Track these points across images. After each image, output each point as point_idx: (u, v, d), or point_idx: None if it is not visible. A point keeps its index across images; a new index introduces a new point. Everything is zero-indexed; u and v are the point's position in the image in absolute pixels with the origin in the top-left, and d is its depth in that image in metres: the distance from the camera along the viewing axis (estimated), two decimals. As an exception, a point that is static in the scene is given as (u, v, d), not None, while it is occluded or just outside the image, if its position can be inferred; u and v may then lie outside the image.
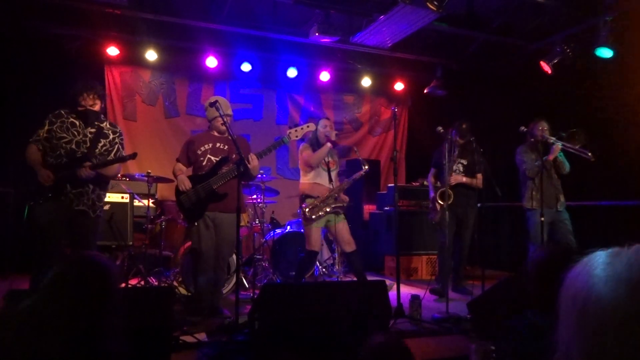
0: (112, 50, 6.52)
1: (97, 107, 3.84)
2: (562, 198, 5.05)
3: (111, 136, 3.92)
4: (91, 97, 3.78)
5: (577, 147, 4.85)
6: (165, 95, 7.38)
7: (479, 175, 5.31)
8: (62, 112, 3.83)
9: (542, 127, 5.04)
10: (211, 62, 6.90)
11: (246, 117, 7.76)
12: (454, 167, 5.30)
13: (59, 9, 5.73)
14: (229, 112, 4.28)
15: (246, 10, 6.14)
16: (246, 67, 7.13)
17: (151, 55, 6.61)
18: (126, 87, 7.13)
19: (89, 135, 3.80)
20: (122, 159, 3.92)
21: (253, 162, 4.01)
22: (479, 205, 5.42)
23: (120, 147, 3.98)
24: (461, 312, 4.14)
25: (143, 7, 5.85)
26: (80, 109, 3.77)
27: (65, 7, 5.66)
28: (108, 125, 3.95)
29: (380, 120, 8.66)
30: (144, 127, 7.19)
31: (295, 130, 4.23)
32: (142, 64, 6.97)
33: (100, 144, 3.84)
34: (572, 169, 5.08)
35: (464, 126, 5.26)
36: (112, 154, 3.90)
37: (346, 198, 4.89)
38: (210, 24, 6.25)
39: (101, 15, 5.91)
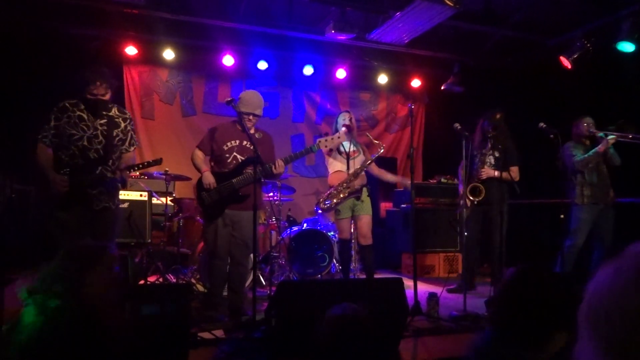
0: (131, 50, 6.59)
1: (107, 97, 3.65)
2: (612, 193, 4.95)
3: (122, 124, 3.78)
4: (104, 86, 3.59)
5: (630, 136, 4.74)
6: (183, 93, 7.43)
7: (514, 168, 5.07)
8: (67, 105, 3.64)
9: (587, 123, 4.93)
10: (228, 60, 6.93)
11: (262, 115, 7.76)
12: (485, 160, 5.14)
13: (77, 10, 5.80)
14: (258, 112, 4.17)
15: (262, 9, 6.15)
16: (262, 65, 7.14)
17: (168, 54, 6.66)
18: (144, 86, 7.20)
19: (100, 128, 3.66)
20: (149, 164, 3.83)
21: (279, 168, 3.98)
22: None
23: (132, 133, 3.86)
24: (479, 310, 4.11)
25: (160, 6, 5.90)
26: (90, 97, 3.58)
27: (84, 7, 5.73)
28: (117, 112, 3.77)
29: (397, 118, 8.61)
30: (161, 125, 7.26)
31: (326, 140, 4.17)
32: (159, 63, 7.02)
33: (113, 135, 3.72)
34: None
35: (497, 116, 5.04)
36: (126, 143, 3.80)
37: (359, 182, 4.76)
38: (227, 23, 6.27)
39: (119, 15, 5.98)
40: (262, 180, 4.16)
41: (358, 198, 4.75)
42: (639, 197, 5.51)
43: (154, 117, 7.25)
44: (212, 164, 4.23)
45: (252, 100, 4.15)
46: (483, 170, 5.02)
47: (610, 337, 0.72)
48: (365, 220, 4.86)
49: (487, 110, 5.20)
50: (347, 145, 4.85)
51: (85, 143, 3.61)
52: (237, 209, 4.07)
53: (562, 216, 4.66)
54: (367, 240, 4.87)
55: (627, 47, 5.46)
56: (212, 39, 6.70)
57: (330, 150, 4.86)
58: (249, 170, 4.00)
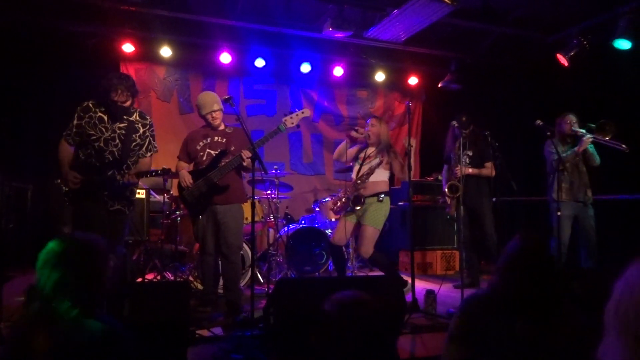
0: (128, 47, 6.57)
1: (127, 104, 3.68)
2: (589, 192, 4.98)
3: (141, 130, 3.81)
4: (125, 94, 3.62)
5: (607, 138, 4.77)
6: (180, 91, 7.42)
7: (488, 164, 5.27)
8: (90, 105, 3.68)
9: (570, 121, 4.97)
10: (225, 58, 6.91)
11: (260, 113, 7.77)
12: (460, 160, 5.26)
13: (75, 7, 5.79)
14: (216, 107, 4.20)
15: (260, 6, 6.15)
16: (260, 62, 7.13)
17: (166, 51, 6.65)
18: (141, 84, 7.16)
19: (118, 132, 3.69)
20: (157, 173, 3.85)
21: (247, 155, 3.97)
22: (493, 199, 5.38)
23: (151, 139, 3.89)
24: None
25: (158, 3, 5.90)
26: (110, 102, 3.61)
27: (81, 4, 5.73)
28: (138, 117, 3.81)
29: (394, 115, 8.61)
30: (158, 123, 7.18)
31: (291, 118, 4.20)
32: (156, 60, 7.01)
33: (131, 140, 3.74)
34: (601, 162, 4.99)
35: (463, 119, 5.21)
36: (144, 148, 3.84)
37: (366, 191, 4.46)
38: (224, 20, 6.27)
39: (116, 13, 5.97)
40: (244, 172, 4.28)
41: (354, 207, 4.45)
42: (618, 194, 5.58)
43: (151, 114, 7.21)
44: (192, 166, 4.32)
45: (205, 101, 4.24)
46: (457, 168, 5.13)
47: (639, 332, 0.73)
48: (365, 232, 4.46)
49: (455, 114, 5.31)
50: (369, 151, 4.62)
51: (102, 144, 3.65)
52: (221, 202, 4.11)
53: (559, 213, 4.69)
54: (364, 254, 4.50)
55: (623, 44, 5.47)
56: (210, 36, 6.70)
57: (354, 158, 4.73)
58: (224, 162, 4.09)
